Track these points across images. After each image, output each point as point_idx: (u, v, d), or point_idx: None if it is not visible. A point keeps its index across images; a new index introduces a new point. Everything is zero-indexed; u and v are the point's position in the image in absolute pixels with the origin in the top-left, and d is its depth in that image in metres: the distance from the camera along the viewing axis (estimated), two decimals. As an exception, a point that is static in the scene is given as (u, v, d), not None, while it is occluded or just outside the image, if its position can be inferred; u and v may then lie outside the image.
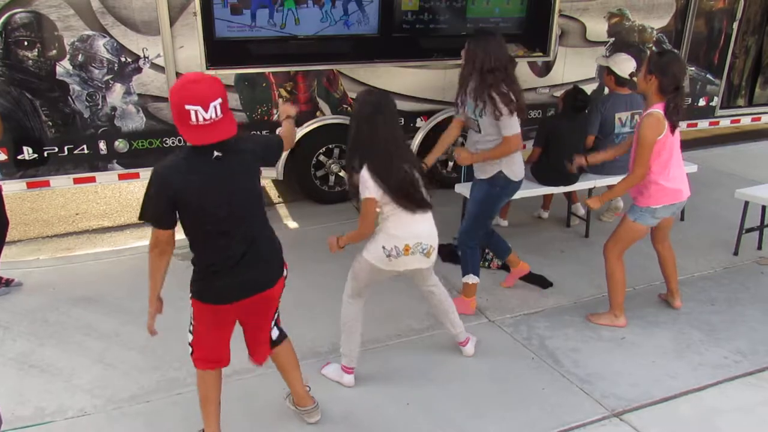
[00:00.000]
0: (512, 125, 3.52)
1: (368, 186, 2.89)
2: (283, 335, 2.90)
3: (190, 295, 2.59)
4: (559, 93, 6.16)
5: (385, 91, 3.02)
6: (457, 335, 3.49)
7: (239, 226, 2.47)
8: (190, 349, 2.68)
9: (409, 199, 2.95)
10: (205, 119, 2.26)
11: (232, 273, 2.49)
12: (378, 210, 2.95)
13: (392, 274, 3.11)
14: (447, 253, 4.59)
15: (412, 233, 2.99)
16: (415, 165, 3.02)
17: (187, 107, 2.24)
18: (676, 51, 3.58)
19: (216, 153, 2.34)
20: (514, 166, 3.72)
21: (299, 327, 3.63)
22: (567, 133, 4.68)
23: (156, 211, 2.36)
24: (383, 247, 2.99)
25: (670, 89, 3.38)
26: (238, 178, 2.45)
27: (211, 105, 2.26)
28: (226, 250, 2.47)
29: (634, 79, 4.99)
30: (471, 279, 3.91)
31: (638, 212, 3.63)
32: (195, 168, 2.35)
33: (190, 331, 2.67)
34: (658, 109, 3.40)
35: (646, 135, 3.40)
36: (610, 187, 5.19)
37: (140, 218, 2.40)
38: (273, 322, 2.81)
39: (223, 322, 2.63)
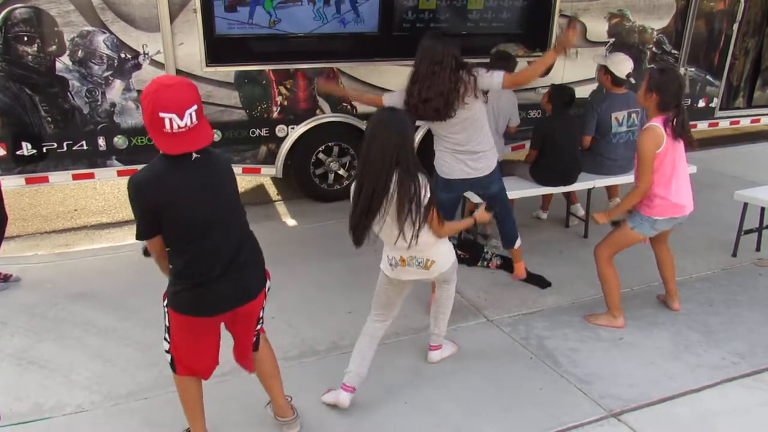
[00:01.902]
0: None
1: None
2: (258, 340, 2.78)
3: (166, 303, 2.49)
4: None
5: (394, 113, 2.85)
6: (432, 336, 3.45)
7: (223, 232, 2.37)
8: (169, 357, 2.59)
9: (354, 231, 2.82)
10: (179, 127, 2.13)
11: (216, 284, 2.38)
12: None
13: (403, 286, 3.07)
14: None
15: (406, 249, 2.90)
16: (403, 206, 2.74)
17: (161, 114, 2.11)
18: (675, 68, 3.60)
19: (195, 155, 2.25)
20: (438, 161, 3.81)
21: (298, 325, 3.63)
22: (562, 132, 4.67)
23: (143, 225, 2.30)
24: (387, 256, 3.00)
25: (671, 106, 3.44)
26: (218, 181, 2.35)
27: (187, 112, 2.13)
28: (210, 259, 2.35)
29: (631, 80, 5.01)
30: None
31: (639, 221, 3.64)
32: (171, 174, 2.23)
33: (166, 339, 2.57)
34: (656, 123, 3.45)
35: (645, 149, 3.44)
36: (608, 188, 5.23)
37: (137, 238, 2.35)
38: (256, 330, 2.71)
39: (202, 334, 2.52)
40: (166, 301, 2.50)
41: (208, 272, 2.36)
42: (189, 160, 2.24)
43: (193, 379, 2.64)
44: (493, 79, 3.49)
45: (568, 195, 5.31)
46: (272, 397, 2.88)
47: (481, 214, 3.20)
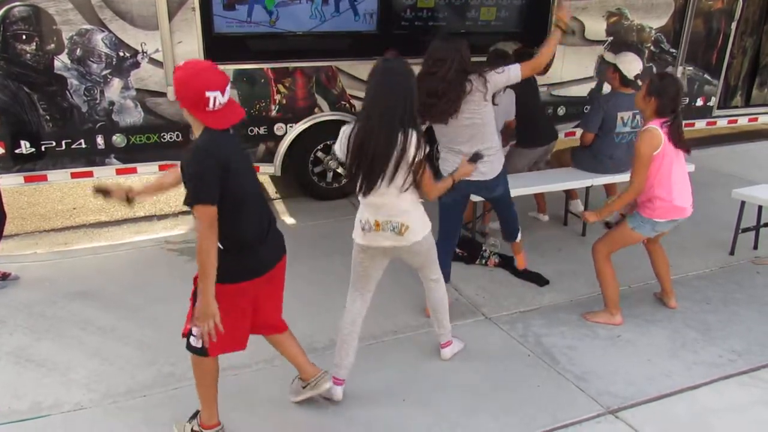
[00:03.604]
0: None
1: (339, 142, 2.89)
2: None
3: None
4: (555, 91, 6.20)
5: (402, 60, 2.92)
6: (440, 336, 3.47)
7: (259, 198, 2.63)
8: (200, 342, 2.59)
9: (363, 178, 2.81)
10: (221, 103, 2.37)
11: (265, 244, 2.63)
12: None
13: (378, 255, 3.03)
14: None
15: (381, 210, 2.91)
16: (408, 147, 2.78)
17: (208, 94, 2.32)
18: (674, 75, 3.68)
19: (231, 131, 2.49)
20: (443, 163, 3.76)
21: (296, 323, 3.63)
22: (522, 92, 4.68)
23: (211, 187, 2.36)
24: (360, 220, 2.98)
25: (668, 111, 3.50)
26: (247, 155, 2.67)
27: (226, 89, 2.39)
28: (260, 222, 2.61)
29: (639, 81, 5.02)
30: None
31: (639, 222, 3.66)
32: (224, 144, 2.44)
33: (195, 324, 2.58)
34: (654, 125, 3.50)
35: (642, 150, 3.49)
36: (607, 186, 5.23)
37: (192, 202, 2.35)
38: None
39: (247, 302, 2.66)
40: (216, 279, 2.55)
41: (259, 233, 2.60)
42: (228, 133, 2.48)
43: (215, 360, 2.72)
44: (510, 74, 3.52)
45: (567, 191, 5.32)
46: (295, 360, 2.97)
47: (464, 167, 3.32)
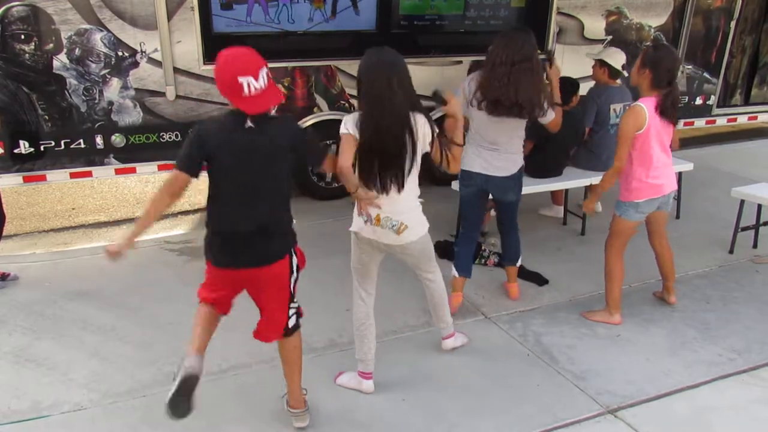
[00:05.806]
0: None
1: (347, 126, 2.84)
2: (297, 326, 2.85)
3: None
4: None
5: (390, 48, 2.98)
6: (442, 329, 3.48)
7: (259, 196, 2.52)
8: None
9: (387, 175, 2.82)
10: (256, 89, 2.35)
11: (233, 239, 2.54)
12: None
13: (375, 248, 3.03)
14: (443, 249, 4.61)
15: (384, 206, 2.90)
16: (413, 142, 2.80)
17: (240, 79, 2.32)
18: (670, 46, 3.60)
19: (249, 124, 2.42)
20: (465, 158, 3.66)
21: (296, 322, 3.64)
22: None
23: (186, 155, 2.46)
24: (361, 213, 2.96)
25: (664, 83, 3.39)
26: (265, 152, 2.49)
27: (260, 74, 2.36)
28: (236, 215, 2.52)
29: (625, 72, 5.05)
30: (453, 272, 3.91)
31: (622, 207, 3.66)
32: (231, 129, 2.44)
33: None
34: (642, 103, 3.41)
35: (625, 127, 3.44)
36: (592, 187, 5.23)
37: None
38: (294, 311, 2.78)
39: (222, 284, 2.66)
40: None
41: (230, 225, 2.53)
42: (245, 124, 2.42)
43: (208, 310, 2.70)
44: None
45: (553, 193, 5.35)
46: (290, 385, 2.93)
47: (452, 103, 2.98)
